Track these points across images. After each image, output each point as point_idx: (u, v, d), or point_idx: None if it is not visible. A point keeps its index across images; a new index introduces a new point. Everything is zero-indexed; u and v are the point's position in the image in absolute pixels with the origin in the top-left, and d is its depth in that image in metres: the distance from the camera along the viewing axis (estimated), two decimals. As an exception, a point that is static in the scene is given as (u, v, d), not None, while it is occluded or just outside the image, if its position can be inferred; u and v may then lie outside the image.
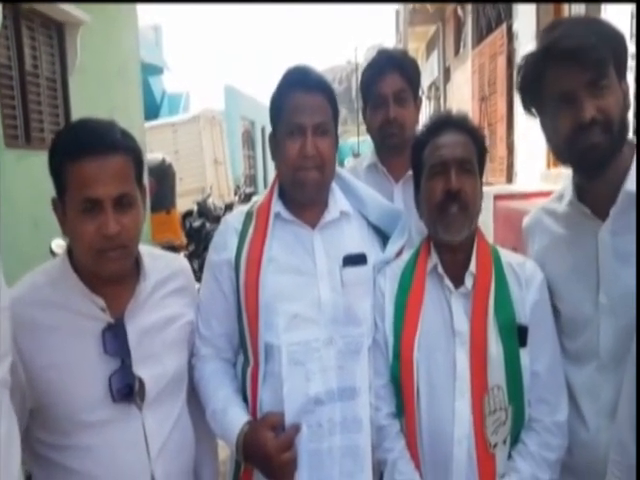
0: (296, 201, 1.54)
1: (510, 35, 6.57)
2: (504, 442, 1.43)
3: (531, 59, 1.40)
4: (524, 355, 1.43)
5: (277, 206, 1.55)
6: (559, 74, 1.32)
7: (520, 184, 6.11)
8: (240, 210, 1.64)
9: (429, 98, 14.33)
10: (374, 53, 2.19)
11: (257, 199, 1.64)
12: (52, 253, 3.63)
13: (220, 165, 12.29)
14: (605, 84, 1.30)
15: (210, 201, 9.49)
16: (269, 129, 1.62)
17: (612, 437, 1.28)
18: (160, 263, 1.50)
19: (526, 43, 5.58)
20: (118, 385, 1.33)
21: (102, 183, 1.26)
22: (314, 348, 1.40)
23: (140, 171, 1.39)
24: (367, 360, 1.45)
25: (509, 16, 6.66)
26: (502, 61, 6.81)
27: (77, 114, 5.63)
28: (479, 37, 8.40)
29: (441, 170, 1.45)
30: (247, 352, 1.51)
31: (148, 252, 1.48)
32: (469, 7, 8.98)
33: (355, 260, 1.53)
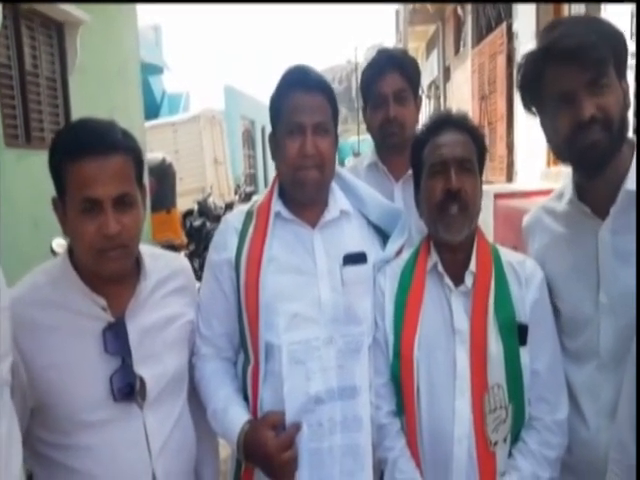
0: (296, 200, 1.55)
1: (510, 34, 6.57)
2: (504, 440, 1.43)
3: (531, 58, 1.40)
4: (524, 354, 1.43)
5: (277, 205, 1.55)
6: (559, 73, 1.32)
7: (520, 183, 6.11)
8: (240, 209, 1.64)
9: (429, 97, 14.33)
10: (374, 53, 2.19)
11: (257, 198, 1.65)
12: (53, 252, 3.63)
13: (220, 165, 12.29)
14: (605, 83, 1.30)
15: (210, 200, 9.49)
16: (269, 129, 1.62)
17: (612, 436, 1.28)
18: (160, 262, 1.50)
19: (526, 42, 5.58)
20: (119, 384, 1.33)
21: (102, 183, 1.26)
22: (314, 347, 1.40)
23: (140, 171, 1.39)
24: (367, 359, 1.45)
25: (509, 15, 6.66)
26: (502, 60, 6.81)
27: (77, 114, 5.63)
28: (479, 36, 8.40)
29: (441, 169, 1.45)
30: (247, 351, 1.51)
31: (148, 252, 1.48)
32: (469, 7, 8.98)
33: (355, 259, 1.54)
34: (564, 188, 1.51)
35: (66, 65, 5.82)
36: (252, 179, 18.03)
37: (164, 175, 8.32)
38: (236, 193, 12.51)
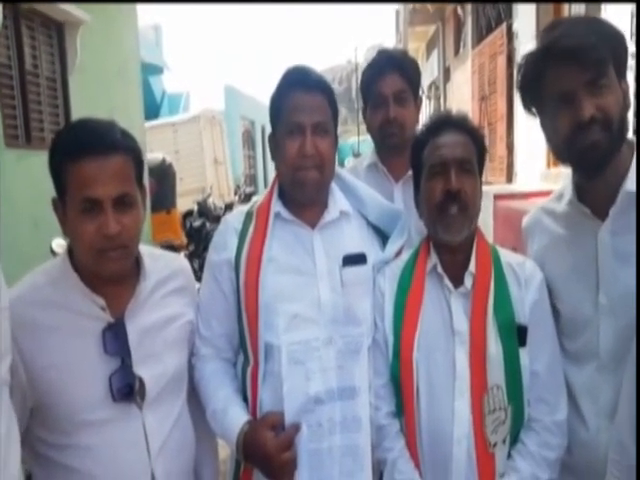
0: (296, 201, 1.55)
1: (510, 35, 6.56)
2: (504, 441, 1.43)
3: (531, 58, 1.40)
4: (523, 355, 1.43)
5: (277, 206, 1.55)
6: (559, 74, 1.32)
7: (520, 184, 6.11)
8: (240, 210, 1.64)
9: (429, 98, 14.33)
10: (374, 53, 2.19)
11: (257, 199, 1.65)
12: (53, 252, 3.64)
13: (220, 165, 12.30)
14: (605, 83, 1.30)
15: (210, 201, 9.49)
16: (269, 129, 1.62)
17: (612, 437, 1.28)
18: (160, 263, 1.50)
19: (526, 43, 5.58)
20: (118, 385, 1.33)
21: (102, 183, 1.26)
22: (314, 347, 1.41)
23: (140, 171, 1.39)
24: (367, 360, 1.45)
25: (509, 16, 6.65)
26: (502, 61, 6.81)
27: (77, 114, 5.63)
28: (479, 37, 8.40)
29: (441, 170, 1.45)
30: (247, 352, 1.51)
31: (148, 252, 1.48)
32: (469, 7, 8.98)
33: (355, 260, 1.54)
34: (564, 189, 1.51)
35: (66, 65, 5.83)
36: (252, 179, 18.04)
37: (164, 175, 8.33)
38: (236, 193, 12.52)
